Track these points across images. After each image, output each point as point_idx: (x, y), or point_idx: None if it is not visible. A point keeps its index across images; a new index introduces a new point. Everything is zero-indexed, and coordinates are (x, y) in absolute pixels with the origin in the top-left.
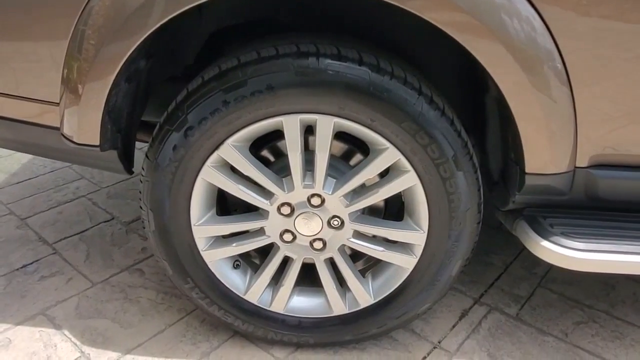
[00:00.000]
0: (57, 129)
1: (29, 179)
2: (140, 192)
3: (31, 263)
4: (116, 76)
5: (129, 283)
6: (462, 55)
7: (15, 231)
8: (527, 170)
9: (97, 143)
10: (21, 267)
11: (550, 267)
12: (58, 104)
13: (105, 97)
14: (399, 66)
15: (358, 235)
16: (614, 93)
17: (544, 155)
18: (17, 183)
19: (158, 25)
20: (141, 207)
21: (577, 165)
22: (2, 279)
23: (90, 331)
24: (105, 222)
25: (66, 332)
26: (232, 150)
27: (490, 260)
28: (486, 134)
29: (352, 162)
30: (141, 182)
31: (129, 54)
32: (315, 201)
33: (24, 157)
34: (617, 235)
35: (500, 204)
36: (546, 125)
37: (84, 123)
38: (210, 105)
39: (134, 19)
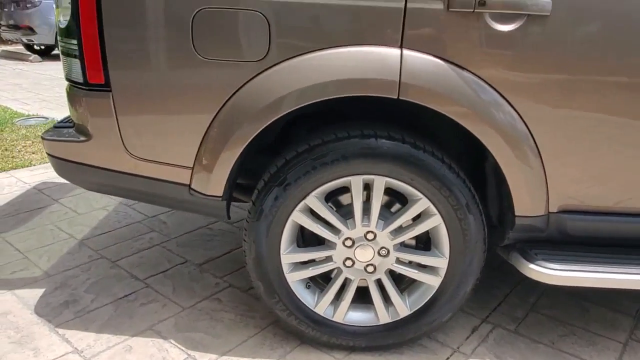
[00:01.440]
0: (185, 184)
1: (110, 231)
2: (245, 230)
3: (130, 293)
4: (242, 150)
5: (212, 308)
6: (469, 135)
7: (109, 270)
8: (516, 214)
9: (221, 195)
10: (123, 297)
11: (540, 295)
12: (191, 167)
13: (233, 164)
14: (429, 144)
15: (399, 261)
16: (571, 163)
17: (527, 203)
18: (101, 234)
19: (281, 115)
20: (244, 240)
21: (550, 210)
22: (110, 305)
23: (190, 340)
24: (181, 264)
25: (172, 341)
26: (315, 200)
27: (494, 292)
28: (487, 190)
29: (393, 209)
30: (247, 222)
31: (255, 134)
32: (370, 236)
33: (103, 214)
34: (582, 259)
35: (499, 241)
36: (526, 184)
37: (215, 181)
38: (302, 169)
39: (266, 111)
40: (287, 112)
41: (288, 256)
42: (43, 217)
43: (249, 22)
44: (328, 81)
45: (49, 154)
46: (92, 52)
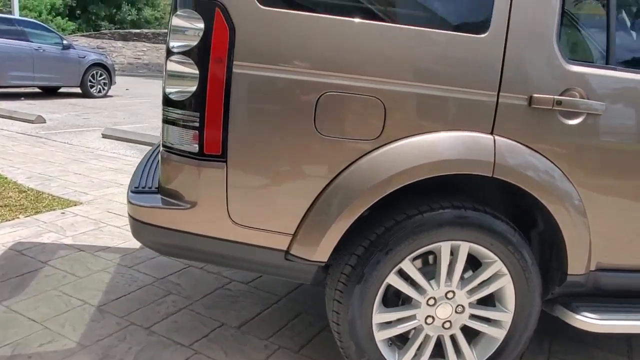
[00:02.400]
0: (282, 250)
1: (124, 295)
2: (341, 291)
3: None
4: (354, 220)
5: None
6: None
7: (148, 337)
8: (569, 272)
9: (326, 260)
10: None
11: (553, 342)
12: (292, 234)
13: (342, 233)
14: (504, 215)
15: (472, 316)
16: (609, 231)
17: (577, 263)
18: (117, 299)
19: (395, 188)
20: (339, 302)
21: (590, 269)
22: None
23: None
24: (218, 327)
25: None
26: (409, 264)
27: None
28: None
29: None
30: (345, 284)
31: (370, 205)
32: (450, 295)
33: (107, 277)
34: (617, 309)
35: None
36: (580, 248)
37: (323, 248)
38: (403, 236)
39: (380, 186)
40: (399, 187)
41: (379, 316)
42: (41, 282)
43: (367, 106)
44: (438, 160)
45: (137, 220)
46: (215, 124)
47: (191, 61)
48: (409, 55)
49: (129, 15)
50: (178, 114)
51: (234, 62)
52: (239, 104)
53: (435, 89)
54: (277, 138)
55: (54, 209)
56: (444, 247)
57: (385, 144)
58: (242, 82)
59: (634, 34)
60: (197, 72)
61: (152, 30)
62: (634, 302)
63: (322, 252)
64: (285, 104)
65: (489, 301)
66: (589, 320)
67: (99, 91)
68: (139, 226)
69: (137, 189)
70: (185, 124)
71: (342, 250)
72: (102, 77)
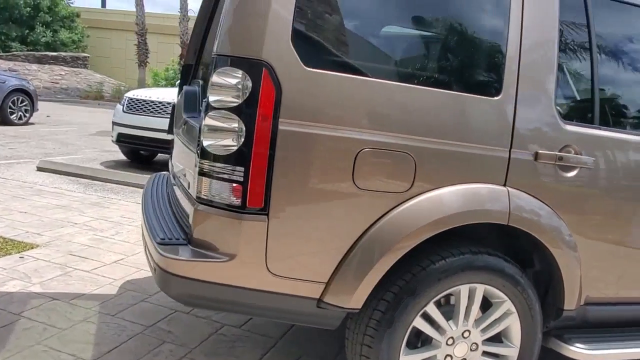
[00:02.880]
0: (315, 298)
1: (117, 346)
2: (371, 337)
3: None
4: (388, 269)
5: None
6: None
7: None
8: (565, 308)
9: (360, 307)
10: None
11: None
12: (325, 283)
13: (377, 281)
14: (515, 261)
15: (485, 353)
16: (597, 269)
17: (572, 299)
18: (110, 351)
19: (430, 236)
20: (370, 346)
21: (581, 304)
22: None
23: None
24: None
25: None
26: (433, 307)
27: None
28: None
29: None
30: (375, 329)
31: (404, 253)
32: (466, 334)
33: (92, 328)
34: (606, 339)
35: None
36: (574, 285)
37: (358, 296)
38: (430, 281)
39: (416, 233)
40: (430, 235)
41: (405, 357)
42: (21, 337)
43: (400, 161)
44: (462, 212)
45: (169, 272)
46: (259, 179)
47: (237, 118)
48: (436, 114)
49: (43, 37)
50: (219, 167)
51: (280, 120)
52: (282, 160)
53: (458, 145)
54: (317, 191)
55: (10, 253)
56: (463, 290)
57: (416, 196)
58: (286, 139)
59: (616, 97)
60: (243, 128)
61: (71, 54)
62: (623, 331)
63: (357, 300)
64: (326, 159)
65: (495, 338)
66: (581, 351)
67: (20, 118)
68: (169, 279)
69: (163, 241)
70: (227, 177)
71: (369, 296)
72: (23, 104)
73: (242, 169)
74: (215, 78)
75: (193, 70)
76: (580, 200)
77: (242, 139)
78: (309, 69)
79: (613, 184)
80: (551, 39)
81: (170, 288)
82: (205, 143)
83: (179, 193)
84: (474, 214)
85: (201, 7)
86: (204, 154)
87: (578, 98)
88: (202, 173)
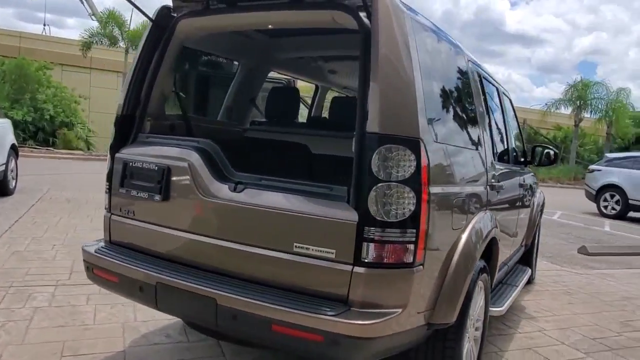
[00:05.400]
0: (425, 324)
1: None
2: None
3: None
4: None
5: None
6: None
7: None
8: None
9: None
10: None
11: None
12: (432, 309)
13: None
14: None
15: None
16: None
17: None
18: None
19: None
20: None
21: None
22: None
23: None
24: None
25: None
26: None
27: None
28: None
29: None
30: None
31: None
32: None
33: None
34: None
35: None
36: None
37: (456, 310)
38: None
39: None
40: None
41: None
42: None
43: (470, 201)
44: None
45: (366, 338)
46: (424, 237)
47: (408, 188)
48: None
49: None
50: (393, 232)
51: (430, 185)
52: (433, 217)
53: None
54: (448, 234)
55: None
56: None
57: None
58: (434, 200)
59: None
60: (413, 196)
61: None
62: None
63: (455, 314)
64: (450, 210)
65: None
66: None
67: None
68: (365, 344)
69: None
70: (399, 240)
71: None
72: None
73: (414, 230)
74: (381, 155)
75: (137, 122)
76: None
77: (414, 206)
78: (436, 142)
79: None
80: None
81: (363, 352)
82: (372, 211)
83: None
84: None
85: (142, 53)
86: (374, 222)
87: None
88: (370, 240)
